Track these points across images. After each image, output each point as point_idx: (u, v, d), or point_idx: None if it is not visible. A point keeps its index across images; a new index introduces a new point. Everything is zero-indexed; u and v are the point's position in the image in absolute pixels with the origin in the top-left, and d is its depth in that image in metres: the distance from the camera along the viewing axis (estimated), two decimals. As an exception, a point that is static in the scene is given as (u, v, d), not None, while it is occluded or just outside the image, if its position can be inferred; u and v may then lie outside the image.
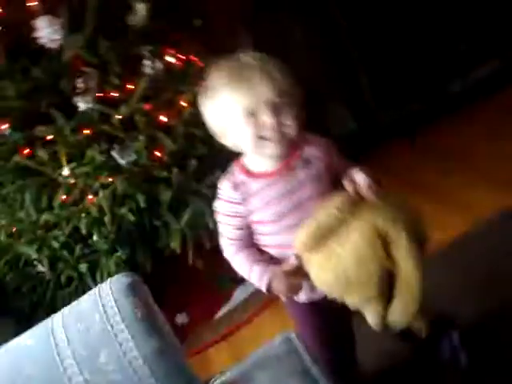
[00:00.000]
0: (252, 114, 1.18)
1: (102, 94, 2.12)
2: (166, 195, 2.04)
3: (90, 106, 2.07)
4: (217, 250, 2.48)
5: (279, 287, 1.21)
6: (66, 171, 2.02)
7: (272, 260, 1.27)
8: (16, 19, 2.16)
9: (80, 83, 2.08)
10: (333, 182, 1.27)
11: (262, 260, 1.27)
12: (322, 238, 1.13)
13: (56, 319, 1.07)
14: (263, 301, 2.30)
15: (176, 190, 2.07)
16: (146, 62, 2.12)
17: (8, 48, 2.14)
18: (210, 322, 2.35)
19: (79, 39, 2.04)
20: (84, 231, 2.04)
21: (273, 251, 1.29)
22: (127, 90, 2.13)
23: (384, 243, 1.12)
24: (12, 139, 2.11)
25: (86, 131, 2.06)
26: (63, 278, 2.14)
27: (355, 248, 1.12)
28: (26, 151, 2.09)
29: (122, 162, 2.02)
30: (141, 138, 2.00)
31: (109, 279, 1.11)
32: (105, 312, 1.04)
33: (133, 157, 2.01)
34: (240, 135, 1.21)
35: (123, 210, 2.02)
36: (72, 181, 2.03)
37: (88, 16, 2.09)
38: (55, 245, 2.08)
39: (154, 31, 2.22)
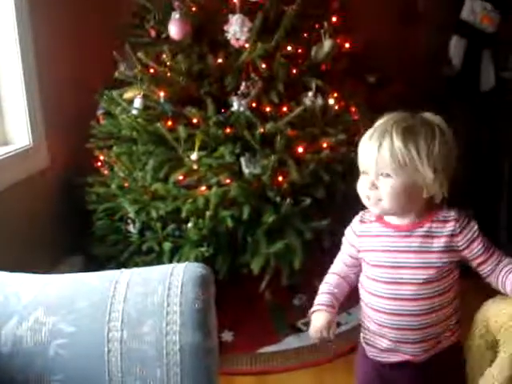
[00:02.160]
0: (364, 173, 1.25)
1: (256, 104, 2.20)
2: (269, 218, 2.06)
3: (242, 109, 2.15)
4: (290, 291, 2.50)
5: (313, 324, 1.33)
6: (194, 156, 2.10)
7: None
8: (213, 7, 2.30)
9: (243, 86, 2.17)
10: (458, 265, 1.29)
11: (336, 297, 1.39)
12: None
13: (124, 274, 1.12)
14: (308, 359, 2.26)
15: (281, 219, 2.08)
16: (309, 94, 2.18)
17: (197, 29, 2.28)
18: (251, 352, 2.33)
19: (261, 48, 2.12)
20: (183, 215, 2.10)
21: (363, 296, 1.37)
22: (281, 111, 2.19)
23: None
24: (162, 108, 2.24)
25: (228, 129, 2.14)
26: (145, 247, 2.21)
27: None
28: (169, 123, 2.20)
29: (246, 170, 2.07)
30: (272, 157, 2.04)
31: (186, 263, 1.14)
32: (169, 289, 1.07)
33: (257, 170, 2.06)
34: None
35: (225, 213, 2.07)
36: (195, 166, 2.10)
37: (278, 32, 2.19)
38: (153, 214, 2.16)
39: (328, 69, 2.28)
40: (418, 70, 2.84)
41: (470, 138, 2.66)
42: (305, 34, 2.32)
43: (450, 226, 1.25)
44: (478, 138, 2.75)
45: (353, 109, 2.34)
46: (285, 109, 2.19)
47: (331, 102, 2.27)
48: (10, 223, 2.09)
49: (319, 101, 2.17)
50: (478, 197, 2.75)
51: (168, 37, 2.31)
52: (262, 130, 2.10)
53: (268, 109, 2.18)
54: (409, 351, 1.31)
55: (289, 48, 2.26)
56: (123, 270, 1.14)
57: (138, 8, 2.51)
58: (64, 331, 1.06)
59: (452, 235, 1.24)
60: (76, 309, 1.08)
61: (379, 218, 1.31)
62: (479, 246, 1.25)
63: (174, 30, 2.26)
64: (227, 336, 2.39)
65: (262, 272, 2.17)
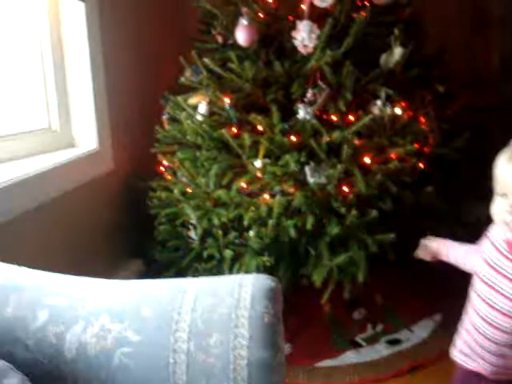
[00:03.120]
0: (504, 196, 1.23)
1: (322, 113, 2.16)
2: (334, 230, 2.01)
3: (308, 117, 2.11)
4: (350, 304, 2.44)
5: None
6: (258, 163, 2.08)
7: None
8: (281, 13, 2.28)
9: (310, 94, 2.13)
10: None
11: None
12: None
13: (192, 283, 1.09)
14: (367, 375, 2.21)
15: (345, 230, 2.03)
16: (378, 103, 2.12)
17: (264, 35, 2.26)
18: (308, 365, 2.28)
19: (329, 55, 2.08)
20: (246, 223, 2.08)
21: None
22: (347, 119, 2.14)
23: None
24: (227, 114, 2.22)
25: (293, 138, 2.10)
26: (206, 254, 2.20)
27: None
28: (234, 130, 2.18)
29: (311, 179, 2.03)
30: (339, 167, 1.99)
31: (254, 274, 1.10)
32: (238, 300, 1.04)
33: (322, 180, 2.01)
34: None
35: (289, 223, 2.03)
36: (259, 174, 2.07)
37: (347, 39, 2.14)
38: (215, 221, 2.14)
39: (398, 77, 2.22)
40: (491, 78, 2.73)
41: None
42: (374, 42, 2.25)
43: None
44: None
45: (422, 119, 2.27)
46: (352, 117, 2.14)
47: (399, 111, 2.20)
48: (73, 225, 2.11)
49: (388, 110, 2.11)
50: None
51: (234, 43, 2.30)
52: (328, 138, 2.06)
53: (334, 117, 2.13)
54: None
55: (358, 55, 2.21)
56: (191, 278, 1.11)
57: (205, 14, 2.51)
58: (130, 339, 1.04)
59: None
60: (142, 317, 1.06)
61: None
62: None
63: (242, 36, 2.25)
64: (285, 348, 2.35)
65: (323, 284, 2.12)
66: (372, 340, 2.40)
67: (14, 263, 1.21)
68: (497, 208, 1.25)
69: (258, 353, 0.99)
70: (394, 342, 2.39)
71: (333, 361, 2.31)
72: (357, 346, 2.38)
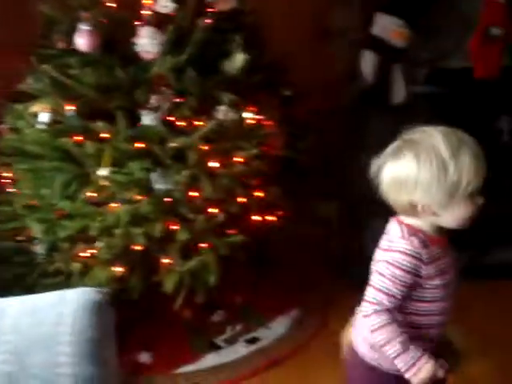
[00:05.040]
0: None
1: (168, 118, 2.16)
2: (182, 235, 2.02)
3: (153, 123, 2.09)
4: (206, 308, 2.46)
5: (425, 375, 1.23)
6: (103, 172, 2.03)
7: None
8: (123, 19, 2.25)
9: (154, 100, 2.12)
10: None
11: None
12: None
13: (10, 303, 1.04)
14: (228, 376, 2.25)
15: (194, 235, 2.04)
16: (222, 108, 2.15)
17: (106, 41, 2.22)
18: (169, 372, 2.27)
19: (172, 61, 2.08)
20: (93, 233, 2.03)
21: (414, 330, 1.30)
22: (193, 125, 2.15)
23: None
24: (70, 123, 2.15)
25: (139, 144, 2.08)
26: (53, 268, 2.11)
27: None
28: (77, 138, 2.12)
29: (157, 186, 2.02)
30: (184, 172, 2.00)
31: (80, 288, 1.08)
32: (60, 317, 1.00)
33: (169, 186, 2.01)
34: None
35: (137, 231, 2.00)
36: (104, 183, 2.03)
37: (189, 45, 2.15)
38: (61, 234, 2.07)
39: (242, 83, 2.27)
40: (332, 83, 2.88)
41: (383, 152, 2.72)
42: (217, 48, 2.29)
43: None
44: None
45: (267, 123, 2.33)
46: (198, 123, 2.16)
47: (245, 115, 2.25)
48: None
49: (232, 115, 2.15)
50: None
51: (76, 49, 2.23)
52: (173, 144, 2.05)
53: (180, 123, 2.14)
54: None
55: (201, 61, 2.23)
56: (11, 298, 1.06)
57: (46, 19, 2.41)
58: None
59: None
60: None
61: (426, 237, 1.31)
62: None
63: (82, 41, 2.19)
64: (144, 357, 2.33)
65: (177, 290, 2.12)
66: (231, 341, 2.44)
67: None
68: (469, 209, 1.25)
69: (83, 369, 0.97)
70: (252, 341, 2.44)
71: (193, 365, 2.31)
72: (217, 348, 2.40)
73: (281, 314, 2.60)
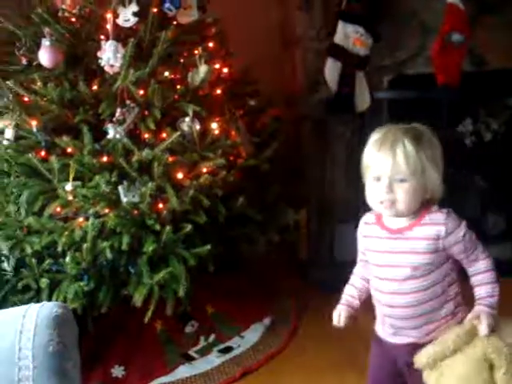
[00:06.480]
0: (376, 179, 1.38)
1: (134, 131, 2.17)
2: (150, 247, 2.02)
3: (119, 137, 2.10)
4: (179, 319, 2.46)
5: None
6: (68, 186, 2.03)
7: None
8: (86, 33, 2.26)
9: (119, 113, 2.13)
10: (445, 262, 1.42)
11: (353, 295, 1.55)
12: (440, 359, 1.40)
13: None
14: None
15: (162, 247, 2.05)
16: (186, 120, 2.17)
17: (69, 55, 2.23)
18: (143, 385, 2.26)
19: (134, 74, 2.09)
20: (60, 249, 2.02)
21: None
22: (159, 137, 2.17)
23: (490, 368, 1.37)
24: (35, 138, 2.15)
25: (104, 158, 2.08)
26: (21, 285, 2.10)
27: (465, 370, 1.38)
28: (42, 153, 2.12)
29: (124, 199, 2.02)
30: (150, 184, 2.01)
31: (42, 303, 1.08)
32: (21, 332, 1.01)
33: (136, 198, 2.02)
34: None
35: (105, 244, 2.00)
36: (70, 197, 2.03)
37: (152, 58, 2.17)
38: (28, 250, 2.06)
39: (205, 94, 2.29)
40: (296, 92, 2.92)
41: (349, 159, 2.77)
42: (181, 60, 2.31)
43: (437, 231, 1.38)
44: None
45: (233, 132, 2.36)
46: (164, 135, 2.17)
47: (212, 126, 2.27)
48: None
49: (197, 126, 2.16)
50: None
51: (39, 64, 2.23)
52: (138, 157, 2.06)
53: (146, 135, 2.15)
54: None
55: (165, 74, 2.24)
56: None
57: (9, 35, 2.41)
58: None
59: (438, 238, 1.38)
60: None
61: (378, 220, 1.46)
62: (460, 248, 1.40)
63: (45, 57, 2.19)
64: (118, 371, 2.32)
65: (147, 303, 2.12)
66: (204, 351, 2.44)
67: None
68: (372, 191, 1.39)
69: (44, 383, 0.97)
70: (225, 351, 2.44)
71: (166, 377, 2.31)
72: (190, 359, 2.40)
73: (253, 322, 2.61)
